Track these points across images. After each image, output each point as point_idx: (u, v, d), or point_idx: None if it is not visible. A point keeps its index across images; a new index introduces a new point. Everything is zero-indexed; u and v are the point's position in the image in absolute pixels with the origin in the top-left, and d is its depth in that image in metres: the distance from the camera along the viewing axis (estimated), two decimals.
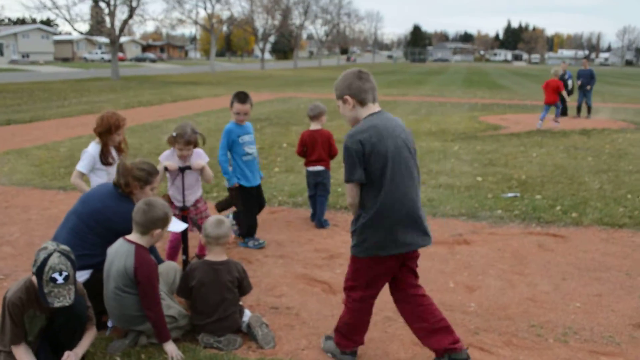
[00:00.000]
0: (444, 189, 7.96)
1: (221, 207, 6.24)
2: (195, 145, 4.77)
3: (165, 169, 4.66)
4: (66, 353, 3.16)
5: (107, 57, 77.34)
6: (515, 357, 3.62)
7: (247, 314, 3.90)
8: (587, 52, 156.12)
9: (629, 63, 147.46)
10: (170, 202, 4.80)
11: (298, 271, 5.03)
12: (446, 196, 7.56)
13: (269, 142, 12.14)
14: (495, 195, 7.65)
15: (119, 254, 3.53)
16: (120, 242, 3.60)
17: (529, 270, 5.13)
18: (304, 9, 75.80)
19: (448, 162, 9.97)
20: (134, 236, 3.59)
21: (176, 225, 4.13)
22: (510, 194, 7.66)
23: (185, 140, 4.64)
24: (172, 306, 3.73)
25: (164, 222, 3.60)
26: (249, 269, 4.99)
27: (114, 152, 4.77)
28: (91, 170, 4.65)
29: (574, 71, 17.97)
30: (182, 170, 4.70)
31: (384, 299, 4.43)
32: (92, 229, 3.74)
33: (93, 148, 4.65)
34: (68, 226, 3.83)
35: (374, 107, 3.20)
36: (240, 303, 3.94)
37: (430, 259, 5.38)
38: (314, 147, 6.18)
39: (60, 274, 2.99)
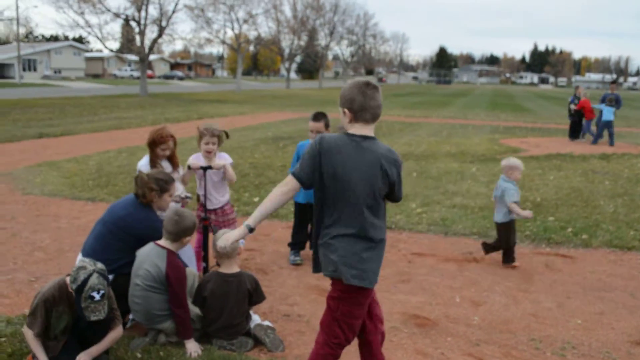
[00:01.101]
0: (458, 209, 8.15)
1: (488, 248, 6.00)
2: (220, 141, 5.07)
3: (189, 167, 4.98)
4: (78, 357, 3.44)
5: (136, 74, 79.08)
6: None
7: (255, 320, 4.15)
8: (614, 75, 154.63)
9: None
10: (199, 205, 5.11)
11: (311, 283, 5.27)
12: (459, 216, 7.75)
13: (291, 160, 12.42)
14: None
15: (150, 256, 3.87)
16: (151, 245, 3.93)
17: (535, 288, 5.30)
18: (329, 30, 76.73)
19: (465, 183, 10.15)
20: (164, 242, 3.93)
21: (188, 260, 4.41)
22: None
23: (211, 132, 4.99)
24: (190, 309, 4.00)
25: (192, 230, 3.96)
26: (264, 280, 5.27)
27: (166, 164, 5.01)
28: None
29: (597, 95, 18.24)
30: (204, 169, 5.01)
31: (389, 311, 4.65)
32: (115, 235, 4.07)
33: (144, 159, 4.98)
34: (94, 233, 4.18)
35: (364, 129, 3.04)
36: (251, 312, 4.19)
37: (440, 274, 5.58)
38: None
39: (98, 292, 3.32)
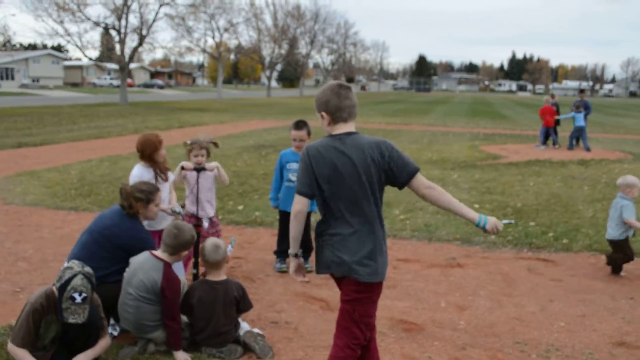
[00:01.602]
0: (441, 215, 8.23)
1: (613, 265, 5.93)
2: (208, 153, 5.19)
3: (182, 168, 5.05)
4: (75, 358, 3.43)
5: (115, 82, 78.54)
6: None
7: (244, 327, 4.17)
8: (591, 83, 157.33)
9: (633, 94, 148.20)
10: (190, 216, 5.15)
11: (298, 290, 5.30)
12: (442, 222, 7.83)
13: (273, 168, 12.43)
14: None
15: (145, 267, 3.86)
16: (147, 255, 3.93)
17: (518, 292, 5.38)
18: (310, 38, 76.95)
19: (447, 190, 10.19)
20: (161, 254, 3.93)
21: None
22: (505, 221, 7.84)
23: (199, 145, 5.10)
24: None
25: (191, 244, 3.99)
26: (251, 287, 5.28)
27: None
28: None
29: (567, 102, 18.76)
30: (197, 171, 5.09)
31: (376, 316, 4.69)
32: (101, 244, 4.07)
33: (138, 170, 4.89)
34: (80, 242, 4.18)
35: (344, 127, 3.10)
36: (239, 319, 4.21)
37: (424, 280, 5.64)
38: None
39: (80, 295, 3.31)
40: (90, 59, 41.68)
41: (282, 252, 5.93)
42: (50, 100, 43.64)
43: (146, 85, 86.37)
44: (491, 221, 3.10)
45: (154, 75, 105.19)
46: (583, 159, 15.16)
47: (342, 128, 3.10)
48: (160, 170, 4.95)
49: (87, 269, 3.42)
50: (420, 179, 3.08)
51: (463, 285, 5.52)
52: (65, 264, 3.46)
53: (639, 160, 15.33)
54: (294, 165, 5.71)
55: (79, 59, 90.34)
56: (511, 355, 4.10)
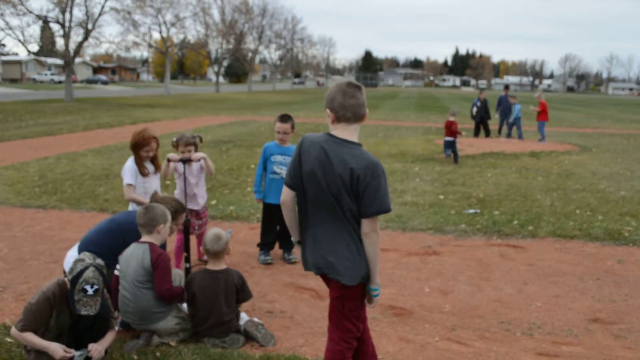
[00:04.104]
0: (409, 207, 8.49)
1: None
2: (196, 148, 5.37)
3: (168, 160, 5.20)
4: (91, 345, 3.46)
5: (57, 78, 76.05)
6: (489, 348, 4.10)
7: (244, 318, 4.26)
8: (531, 78, 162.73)
9: (570, 89, 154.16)
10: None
11: (285, 280, 5.42)
12: (413, 213, 8.09)
13: (237, 163, 12.49)
14: (457, 211, 8.22)
15: (134, 254, 3.96)
16: (133, 246, 4.02)
17: (494, 276, 5.66)
18: (258, 33, 76.63)
19: (411, 182, 10.54)
20: (144, 238, 4.03)
21: None
22: (471, 210, 8.25)
23: (185, 142, 5.27)
24: (179, 309, 4.06)
25: (163, 217, 4.05)
26: None
27: (149, 166, 5.13)
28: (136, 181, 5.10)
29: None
30: (183, 162, 5.21)
31: None
32: (114, 233, 4.25)
33: (130, 161, 5.09)
34: (98, 226, 4.39)
35: (347, 129, 3.04)
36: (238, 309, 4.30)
37: (405, 267, 5.85)
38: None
39: (92, 287, 3.35)
40: (31, 53, 40.16)
41: (265, 244, 6.02)
42: None
43: (89, 81, 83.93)
44: (378, 299, 3.19)
45: (96, 70, 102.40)
46: (534, 151, 15.79)
47: (344, 130, 3.02)
48: (140, 163, 5.09)
49: (99, 261, 3.46)
50: (376, 221, 2.98)
51: (442, 272, 5.76)
52: (75, 253, 3.51)
53: (586, 151, 16.10)
54: (278, 158, 5.80)
55: (16, 54, 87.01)
56: (498, 334, 4.35)
